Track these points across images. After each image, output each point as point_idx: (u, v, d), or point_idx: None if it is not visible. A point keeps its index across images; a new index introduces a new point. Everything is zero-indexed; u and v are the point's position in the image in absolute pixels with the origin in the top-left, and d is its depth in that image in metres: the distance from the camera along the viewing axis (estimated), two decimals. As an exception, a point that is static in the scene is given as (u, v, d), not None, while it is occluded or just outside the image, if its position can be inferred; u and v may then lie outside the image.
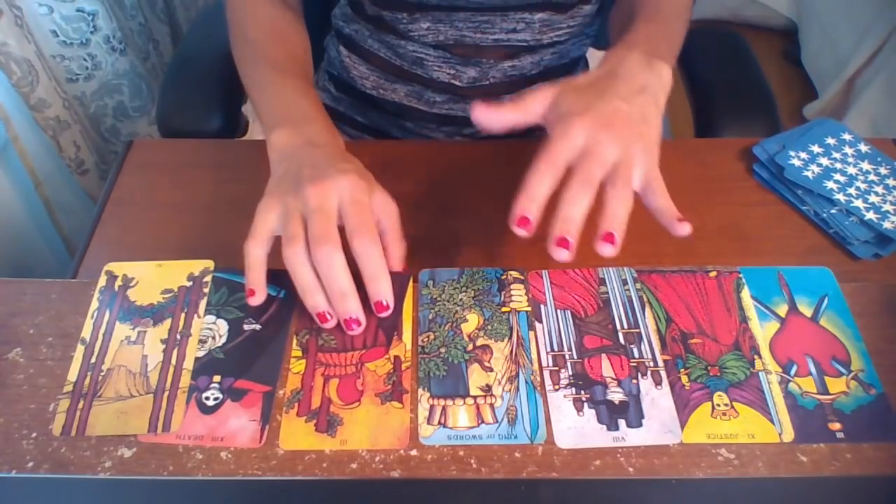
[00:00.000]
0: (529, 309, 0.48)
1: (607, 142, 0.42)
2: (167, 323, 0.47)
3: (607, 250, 0.41)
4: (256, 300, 0.46)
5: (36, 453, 0.41)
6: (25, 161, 0.95)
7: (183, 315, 0.48)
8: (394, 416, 0.43)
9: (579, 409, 0.43)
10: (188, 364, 0.45)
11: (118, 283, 0.50)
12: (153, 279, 0.50)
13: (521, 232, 0.41)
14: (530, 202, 0.41)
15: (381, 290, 0.44)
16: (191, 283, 0.50)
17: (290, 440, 0.42)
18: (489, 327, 0.47)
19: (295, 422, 0.43)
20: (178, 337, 0.47)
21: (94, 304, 0.48)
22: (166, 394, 0.44)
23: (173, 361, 0.45)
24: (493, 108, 0.46)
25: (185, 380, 0.45)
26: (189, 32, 0.82)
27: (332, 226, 0.43)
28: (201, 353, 0.46)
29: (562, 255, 0.41)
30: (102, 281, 0.50)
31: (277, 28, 0.59)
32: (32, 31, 0.92)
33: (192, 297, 0.49)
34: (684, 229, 0.42)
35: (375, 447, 0.42)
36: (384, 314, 0.45)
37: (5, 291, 0.49)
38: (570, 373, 0.45)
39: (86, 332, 0.47)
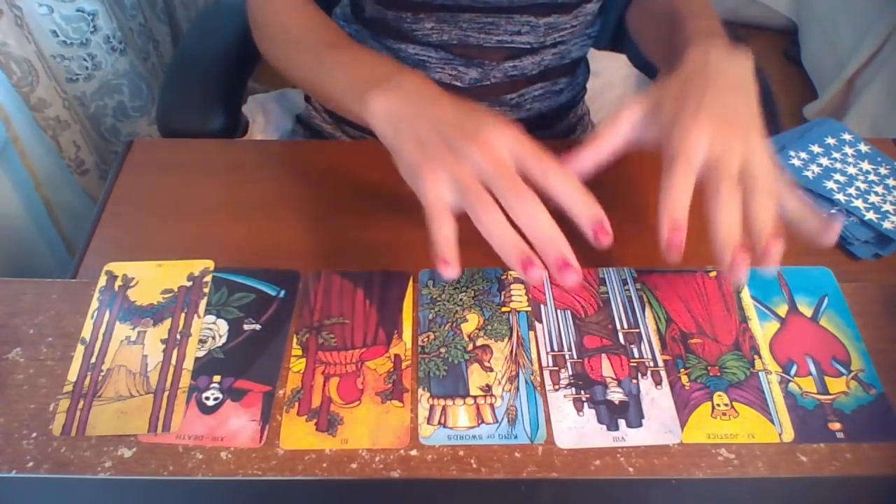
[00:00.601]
0: (529, 309, 0.48)
1: (731, 140, 0.41)
2: (167, 323, 0.47)
3: (776, 251, 0.41)
4: (452, 271, 0.40)
5: (36, 453, 0.41)
6: (25, 161, 0.95)
7: (183, 315, 0.48)
8: (394, 415, 0.43)
9: (579, 409, 0.43)
10: (188, 364, 0.45)
11: (118, 283, 0.50)
12: (153, 279, 0.50)
13: (675, 239, 0.41)
14: (681, 210, 0.41)
15: (598, 211, 0.40)
16: (191, 283, 0.50)
17: (291, 439, 0.42)
18: (489, 327, 0.47)
19: (295, 421, 0.43)
20: (178, 337, 0.47)
21: (94, 304, 0.48)
22: (166, 394, 0.44)
23: (173, 361, 0.45)
24: (583, 154, 0.44)
25: (185, 380, 0.45)
26: (189, 32, 0.82)
27: (519, 178, 0.40)
28: (201, 353, 0.46)
29: (740, 276, 0.40)
30: (102, 281, 0.50)
31: (318, 16, 0.58)
32: (32, 31, 0.92)
33: (192, 297, 0.49)
34: (835, 232, 0.42)
35: (376, 446, 0.42)
36: (605, 240, 0.40)
37: (5, 291, 0.49)
38: (570, 373, 0.45)
39: (86, 332, 0.47)
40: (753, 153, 0.42)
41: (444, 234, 0.40)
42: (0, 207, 0.95)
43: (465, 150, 0.41)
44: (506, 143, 0.42)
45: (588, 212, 0.40)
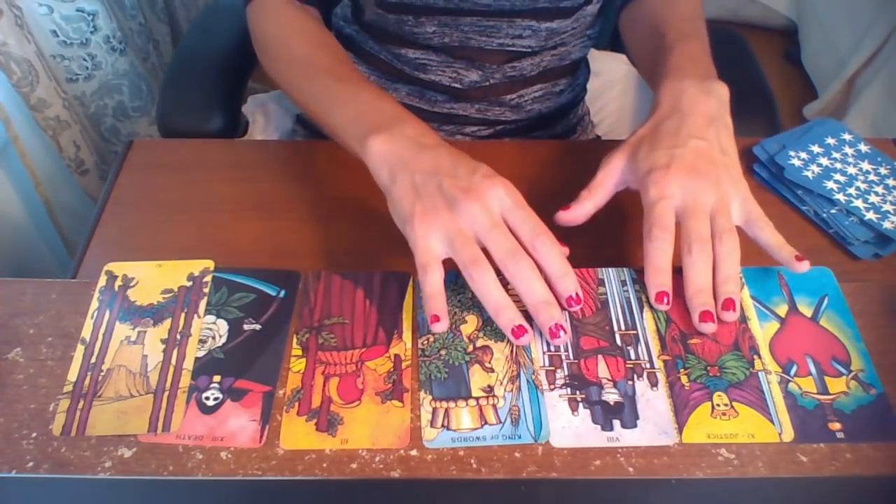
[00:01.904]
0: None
1: (701, 188, 0.45)
2: (167, 323, 0.47)
3: (730, 317, 0.44)
4: (443, 326, 0.43)
5: (36, 453, 0.41)
6: (25, 161, 0.95)
7: (183, 315, 0.48)
8: (394, 415, 0.43)
9: (574, 409, 0.43)
10: (188, 364, 0.45)
11: (118, 283, 0.50)
12: (153, 279, 0.50)
13: (661, 307, 0.45)
14: (662, 276, 0.45)
15: (571, 285, 0.43)
16: (191, 283, 0.50)
17: (291, 439, 0.42)
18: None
19: (295, 421, 0.43)
20: (179, 337, 0.47)
21: (94, 304, 0.48)
22: (166, 394, 0.44)
23: (173, 361, 0.45)
24: (573, 208, 0.48)
25: (186, 380, 0.45)
26: (189, 32, 0.82)
27: (514, 239, 0.43)
28: (201, 353, 0.46)
29: (709, 328, 0.44)
30: (102, 281, 0.50)
31: (320, 39, 0.57)
32: (32, 31, 0.92)
33: (192, 297, 0.49)
34: (804, 267, 0.45)
35: (376, 446, 0.42)
36: (577, 307, 0.44)
37: (5, 291, 0.49)
38: (566, 373, 0.45)
39: (86, 332, 0.47)
40: (724, 198, 0.45)
41: (434, 286, 0.43)
42: (0, 207, 0.95)
43: (459, 204, 0.43)
44: (500, 199, 0.44)
45: (565, 286, 0.43)
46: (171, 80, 0.74)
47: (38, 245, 1.03)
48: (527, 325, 0.42)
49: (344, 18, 0.70)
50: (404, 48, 0.65)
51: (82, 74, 1.01)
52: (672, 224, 0.45)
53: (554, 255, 0.43)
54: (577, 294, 0.43)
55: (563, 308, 0.44)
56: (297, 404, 0.44)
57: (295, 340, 0.47)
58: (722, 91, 0.50)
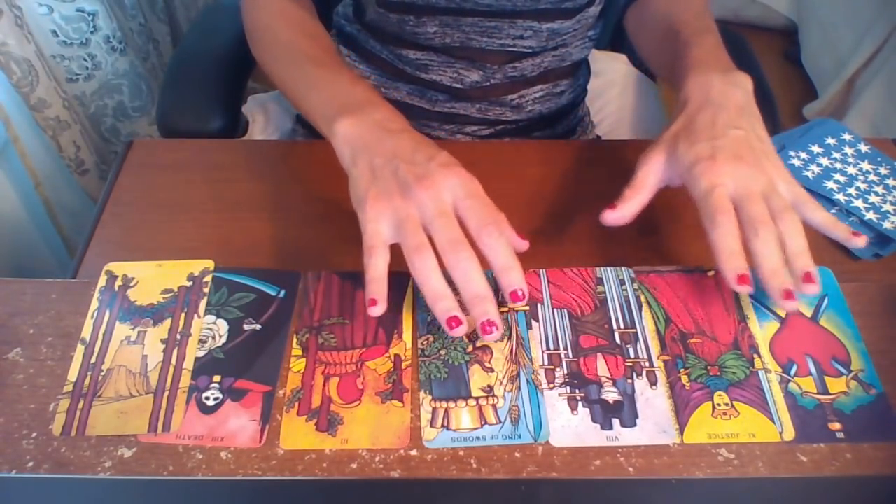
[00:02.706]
0: (528, 308, 0.48)
1: (749, 175, 0.45)
2: (167, 323, 0.47)
3: (813, 289, 0.43)
4: (379, 310, 0.42)
5: (36, 453, 0.41)
6: (25, 161, 0.95)
7: (183, 315, 0.48)
8: (394, 415, 0.43)
9: (573, 408, 0.43)
10: (188, 364, 0.45)
11: (118, 283, 0.50)
12: (153, 279, 0.50)
13: (744, 290, 0.43)
14: (737, 258, 0.43)
15: (516, 280, 0.42)
16: (191, 283, 0.50)
17: (291, 439, 0.42)
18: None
19: (295, 421, 0.43)
20: (178, 337, 0.47)
21: (94, 304, 0.48)
22: (166, 394, 0.44)
23: (173, 361, 0.45)
24: (619, 207, 0.48)
25: (185, 380, 0.45)
26: (189, 32, 0.82)
27: (459, 229, 0.42)
28: (201, 353, 0.46)
29: (792, 306, 0.43)
30: (102, 281, 0.50)
31: (306, 27, 0.59)
32: (32, 31, 0.92)
33: (192, 297, 0.49)
34: (861, 242, 0.45)
35: (376, 446, 0.42)
36: (520, 304, 0.44)
37: (5, 291, 0.49)
38: (566, 371, 0.45)
39: (86, 332, 0.47)
40: (772, 182, 0.45)
41: (377, 271, 0.43)
42: (0, 207, 0.95)
43: (411, 189, 0.43)
44: (452, 188, 0.43)
45: (508, 280, 0.42)
46: (171, 80, 0.74)
47: (38, 245, 1.03)
48: (462, 318, 0.42)
49: (345, 17, 0.70)
50: (405, 49, 0.65)
51: (82, 74, 1.01)
52: (732, 209, 0.44)
53: (499, 248, 0.42)
54: (521, 290, 0.42)
55: (508, 302, 0.43)
56: (297, 404, 0.44)
57: (295, 340, 0.47)
58: (746, 82, 0.50)
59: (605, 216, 0.48)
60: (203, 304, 0.48)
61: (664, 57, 0.59)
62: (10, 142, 0.92)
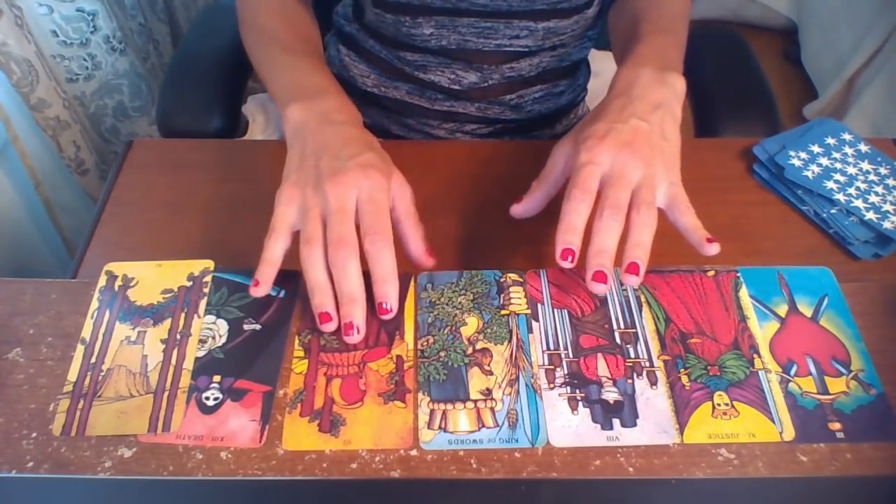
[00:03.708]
0: (529, 311, 0.48)
1: (630, 162, 0.44)
2: (167, 323, 0.47)
3: (632, 280, 0.43)
4: (260, 292, 0.45)
5: (36, 453, 0.41)
6: (25, 161, 0.95)
7: (183, 315, 0.48)
8: (397, 416, 0.43)
9: (574, 408, 0.43)
10: (188, 364, 0.45)
11: (118, 283, 0.50)
12: (153, 279, 0.50)
13: (566, 264, 0.43)
14: (572, 234, 0.43)
15: (388, 293, 0.44)
16: (191, 283, 0.50)
17: (293, 441, 0.42)
18: (488, 330, 0.47)
19: (298, 422, 0.43)
20: (179, 337, 0.47)
21: (94, 304, 0.48)
22: (166, 394, 0.44)
23: (173, 361, 0.45)
24: (525, 200, 0.49)
25: (186, 380, 0.45)
26: (189, 32, 0.82)
27: (351, 228, 0.43)
28: (201, 353, 0.46)
29: (600, 288, 0.43)
30: (102, 281, 0.50)
31: (289, 14, 0.60)
32: (32, 31, 0.92)
33: (192, 297, 0.49)
34: (713, 250, 0.44)
35: (379, 447, 0.42)
36: (386, 317, 0.45)
37: (5, 291, 0.49)
38: (566, 371, 0.45)
39: (86, 332, 0.47)
40: (652, 176, 0.44)
41: (273, 253, 0.45)
42: (0, 207, 0.95)
43: (323, 183, 0.44)
44: (360, 188, 0.44)
45: (380, 291, 0.44)
46: (171, 80, 0.74)
47: (38, 245, 1.03)
48: (333, 314, 0.44)
49: (345, 17, 0.70)
50: (403, 50, 0.65)
51: (82, 74, 1.01)
52: (594, 189, 0.44)
53: (379, 259, 0.43)
54: (388, 304, 0.44)
55: (376, 310, 0.44)
56: (299, 405, 0.44)
57: (297, 342, 0.47)
58: (678, 83, 0.49)
59: (513, 210, 0.49)
60: (203, 304, 0.48)
61: (620, 51, 0.59)
62: (10, 142, 0.92)
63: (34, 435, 0.42)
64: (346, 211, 0.44)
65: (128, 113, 1.11)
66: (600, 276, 0.42)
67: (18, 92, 0.91)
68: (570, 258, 0.43)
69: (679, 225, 0.46)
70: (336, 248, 0.43)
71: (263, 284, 0.45)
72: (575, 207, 0.43)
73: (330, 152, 0.46)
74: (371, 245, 0.43)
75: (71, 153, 1.03)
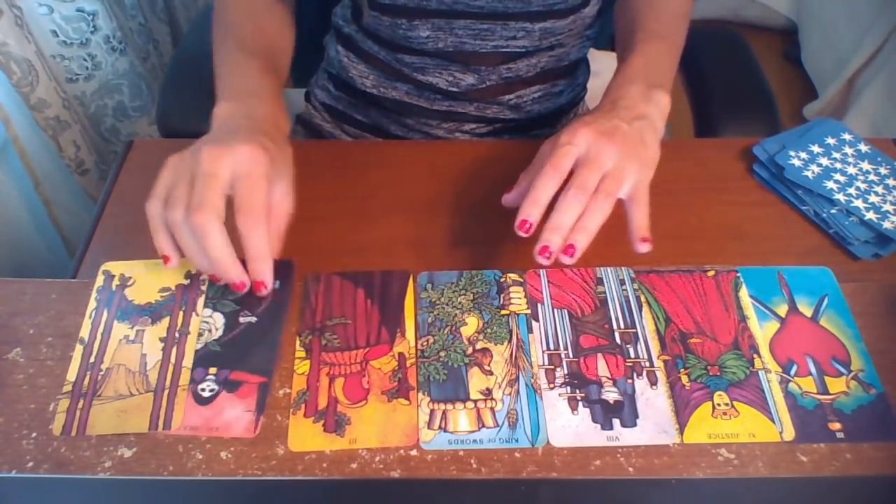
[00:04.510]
0: (529, 311, 0.48)
1: (607, 151, 0.45)
2: (165, 321, 0.47)
3: (565, 260, 0.44)
4: (172, 264, 0.46)
5: (36, 453, 0.41)
6: (25, 161, 0.94)
7: (181, 313, 0.48)
8: (401, 413, 0.43)
9: (574, 408, 0.43)
10: (187, 362, 0.45)
11: (115, 282, 0.50)
12: (150, 278, 0.50)
13: (521, 234, 0.44)
14: (532, 206, 0.44)
15: (261, 271, 0.44)
16: (188, 280, 0.50)
17: (299, 441, 0.42)
18: (488, 330, 0.47)
19: (303, 423, 0.43)
20: (177, 335, 0.47)
21: (92, 304, 0.48)
22: (166, 392, 0.44)
23: (172, 360, 0.45)
24: (515, 190, 0.50)
25: (185, 377, 0.45)
26: (189, 32, 0.82)
27: (215, 192, 0.42)
28: (198, 346, 0.46)
29: (542, 261, 0.44)
30: (100, 280, 0.50)
31: (258, 16, 0.60)
32: (32, 31, 0.92)
33: (190, 296, 0.49)
34: (643, 248, 0.46)
35: (384, 445, 0.42)
36: (262, 293, 0.45)
37: (5, 291, 0.49)
38: (566, 371, 0.45)
39: (84, 332, 0.47)
40: (622, 169, 0.45)
41: (152, 214, 0.45)
42: (0, 207, 0.95)
43: (199, 154, 0.43)
44: (235, 163, 0.43)
45: (256, 267, 0.44)
46: (171, 80, 0.74)
47: (38, 245, 1.03)
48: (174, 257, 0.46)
49: (343, 18, 0.70)
50: (400, 52, 0.65)
51: (82, 74, 1.01)
52: (567, 168, 0.45)
53: (250, 235, 0.43)
54: (266, 282, 0.45)
55: (253, 287, 0.45)
56: (303, 406, 0.43)
57: (298, 342, 0.47)
58: (663, 101, 0.51)
59: (504, 199, 0.50)
60: (201, 301, 0.48)
61: (619, 53, 0.60)
62: (9, 142, 0.92)
63: (34, 435, 0.42)
64: (215, 175, 0.42)
65: (128, 113, 1.11)
66: (544, 251, 0.43)
67: (18, 92, 0.91)
68: (525, 227, 0.44)
69: (629, 216, 0.46)
70: (193, 211, 0.42)
71: (171, 255, 0.45)
72: (543, 183, 0.44)
73: (229, 131, 0.46)
74: (242, 223, 0.42)
75: (71, 153, 1.03)
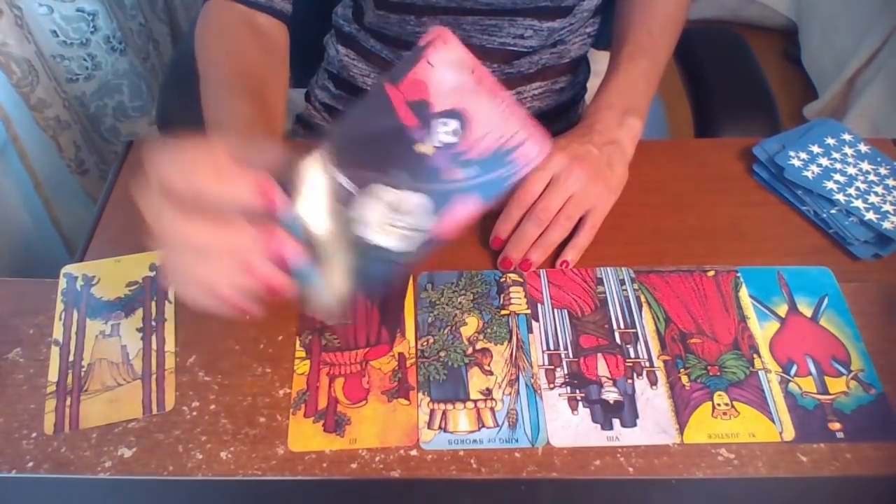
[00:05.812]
0: (529, 311, 0.48)
1: (575, 174, 0.50)
2: (139, 312, 0.48)
3: (524, 271, 0.51)
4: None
5: (36, 453, 0.41)
6: (25, 161, 0.94)
7: (153, 303, 0.48)
8: (401, 413, 0.43)
9: (574, 408, 0.43)
10: (169, 346, 0.46)
11: (79, 283, 0.50)
12: (115, 274, 0.50)
13: (494, 248, 0.52)
14: (504, 224, 0.51)
15: (272, 274, 0.42)
16: (153, 272, 0.50)
17: (299, 441, 0.42)
18: (489, 330, 0.47)
19: (303, 423, 0.43)
20: (154, 324, 0.47)
21: (60, 307, 0.48)
22: (154, 376, 0.45)
23: (154, 346, 0.46)
24: (502, 227, 0.53)
25: (171, 361, 0.45)
26: (189, 32, 0.82)
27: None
28: None
29: (502, 267, 0.51)
30: (63, 283, 0.50)
31: (244, 50, 0.58)
32: (32, 31, 0.92)
33: (159, 285, 0.49)
34: (559, 265, 0.51)
35: (384, 445, 0.42)
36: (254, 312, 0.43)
37: (5, 291, 0.49)
38: (566, 371, 0.45)
39: (57, 334, 0.47)
40: (586, 195, 0.51)
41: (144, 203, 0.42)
42: (0, 207, 0.95)
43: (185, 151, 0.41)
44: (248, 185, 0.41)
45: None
46: (171, 80, 0.74)
47: (38, 245, 1.03)
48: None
49: (344, 18, 0.70)
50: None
51: (82, 74, 1.01)
52: (538, 192, 0.51)
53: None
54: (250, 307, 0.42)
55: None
56: (303, 406, 0.43)
57: (298, 343, 0.47)
58: (636, 127, 0.55)
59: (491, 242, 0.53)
60: (172, 289, 0.49)
61: (609, 62, 0.63)
62: (10, 142, 0.92)
63: (34, 435, 0.42)
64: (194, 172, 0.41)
65: (128, 113, 1.11)
66: (506, 264, 0.51)
67: (18, 92, 0.91)
68: (497, 243, 0.52)
69: (576, 232, 0.51)
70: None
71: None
72: (517, 204, 0.51)
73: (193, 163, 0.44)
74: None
75: (71, 153, 1.03)
